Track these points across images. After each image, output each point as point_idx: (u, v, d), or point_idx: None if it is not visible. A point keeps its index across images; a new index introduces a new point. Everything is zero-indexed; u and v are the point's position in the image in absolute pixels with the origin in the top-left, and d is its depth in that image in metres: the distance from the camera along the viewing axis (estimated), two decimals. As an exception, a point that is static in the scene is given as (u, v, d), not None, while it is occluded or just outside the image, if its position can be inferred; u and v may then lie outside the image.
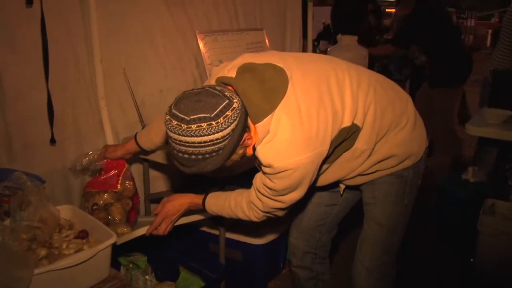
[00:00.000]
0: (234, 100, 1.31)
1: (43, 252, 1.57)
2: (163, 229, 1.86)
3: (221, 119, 1.26)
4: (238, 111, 1.31)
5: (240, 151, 1.41)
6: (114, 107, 2.44)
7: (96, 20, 2.25)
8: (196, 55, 2.87)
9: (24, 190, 1.70)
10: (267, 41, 3.39)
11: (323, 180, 1.70)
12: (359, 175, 1.71)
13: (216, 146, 1.29)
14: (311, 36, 3.97)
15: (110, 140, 2.42)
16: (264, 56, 1.53)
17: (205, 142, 1.27)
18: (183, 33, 2.78)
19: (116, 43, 2.41)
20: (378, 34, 5.45)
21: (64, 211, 1.83)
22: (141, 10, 2.51)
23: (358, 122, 1.53)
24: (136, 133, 2.06)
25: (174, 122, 1.27)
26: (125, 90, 2.45)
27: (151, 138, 1.98)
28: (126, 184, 2.10)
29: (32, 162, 2.09)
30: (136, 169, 2.58)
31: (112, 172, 2.10)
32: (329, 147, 1.47)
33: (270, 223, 2.60)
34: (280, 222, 2.62)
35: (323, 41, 7.07)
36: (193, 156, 1.30)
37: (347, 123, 1.50)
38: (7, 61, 1.97)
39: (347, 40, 3.60)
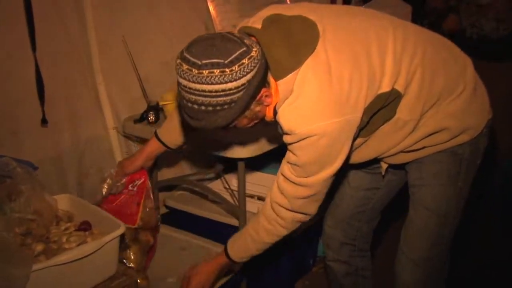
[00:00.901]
0: (253, 49, 1.30)
1: (39, 247, 1.59)
2: None
3: (236, 67, 1.26)
4: (256, 61, 1.30)
5: (256, 108, 1.40)
6: (113, 83, 2.46)
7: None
8: (206, 20, 2.87)
9: (13, 178, 1.71)
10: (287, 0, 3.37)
11: (359, 157, 1.68)
12: (402, 151, 1.68)
13: (228, 97, 1.29)
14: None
15: (110, 121, 2.46)
16: (295, 7, 1.51)
17: (216, 91, 1.27)
18: (190, -3, 2.77)
19: (112, 9, 2.42)
20: None
21: (62, 201, 1.85)
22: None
23: (399, 87, 1.50)
24: (155, 131, 2.01)
25: (185, 67, 1.28)
26: (125, 62, 2.44)
27: (178, 130, 1.93)
28: (147, 212, 2.04)
29: (22, 148, 2.11)
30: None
31: (131, 193, 2.05)
32: (363, 115, 1.44)
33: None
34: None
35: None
36: (203, 107, 1.30)
37: (385, 88, 1.47)
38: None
39: (388, -5, 3.54)
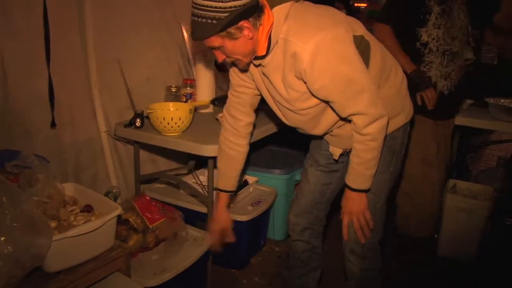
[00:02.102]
0: None
1: (53, 224, 1.71)
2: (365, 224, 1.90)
3: None
4: None
5: (235, 34, 1.53)
6: (106, 94, 2.58)
7: (90, 13, 2.41)
8: (181, 46, 3.03)
9: (32, 168, 1.83)
10: (246, 33, 3.56)
11: (329, 118, 1.80)
12: None
13: (216, 14, 1.47)
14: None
15: (102, 125, 2.58)
16: None
17: (209, 6, 1.46)
18: (168, 25, 2.94)
19: (107, 35, 2.55)
20: None
21: (67, 188, 1.96)
22: (130, 4, 2.66)
23: (369, 40, 1.68)
24: (215, 189, 2.16)
25: None
26: (116, 79, 2.59)
27: (229, 176, 2.06)
28: (167, 225, 2.19)
29: (32, 145, 2.21)
30: (126, 151, 2.74)
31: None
32: None
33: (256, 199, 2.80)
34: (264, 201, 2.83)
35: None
36: (198, 19, 1.49)
37: (358, 33, 1.65)
38: (9, 48, 2.08)
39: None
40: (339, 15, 1.65)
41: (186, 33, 3.01)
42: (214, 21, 1.48)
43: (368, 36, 1.70)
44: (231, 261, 2.81)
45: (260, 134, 2.51)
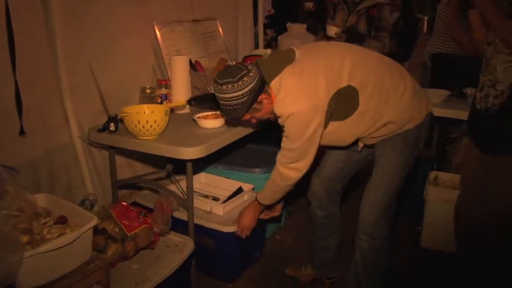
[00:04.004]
0: (252, 71, 1.89)
1: (25, 239, 1.60)
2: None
3: (240, 82, 1.86)
4: (253, 78, 1.88)
5: (259, 107, 1.94)
6: (78, 98, 2.48)
7: (57, 14, 2.30)
8: (154, 45, 2.94)
9: (0, 180, 1.73)
10: (220, 30, 3.49)
11: (348, 137, 2.12)
12: (373, 137, 2.11)
13: (238, 100, 1.89)
14: (261, 23, 4.13)
15: (75, 131, 2.48)
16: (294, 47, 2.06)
17: (231, 97, 1.88)
18: (141, 24, 2.84)
19: (78, 36, 2.45)
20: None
21: (40, 200, 1.86)
22: (101, 4, 2.56)
23: (355, 85, 1.93)
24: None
25: (215, 85, 1.91)
26: (88, 82, 2.48)
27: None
28: (146, 232, 2.11)
29: (0, 156, 2.10)
30: (101, 156, 2.65)
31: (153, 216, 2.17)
32: (331, 101, 1.90)
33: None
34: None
35: (269, 30, 7.16)
36: (227, 107, 1.93)
37: (344, 83, 1.92)
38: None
39: (297, 29, 3.75)
40: (322, 80, 1.89)
41: (159, 32, 2.93)
42: (240, 105, 1.90)
43: (357, 79, 1.93)
44: (223, 273, 2.68)
45: (238, 133, 2.45)
